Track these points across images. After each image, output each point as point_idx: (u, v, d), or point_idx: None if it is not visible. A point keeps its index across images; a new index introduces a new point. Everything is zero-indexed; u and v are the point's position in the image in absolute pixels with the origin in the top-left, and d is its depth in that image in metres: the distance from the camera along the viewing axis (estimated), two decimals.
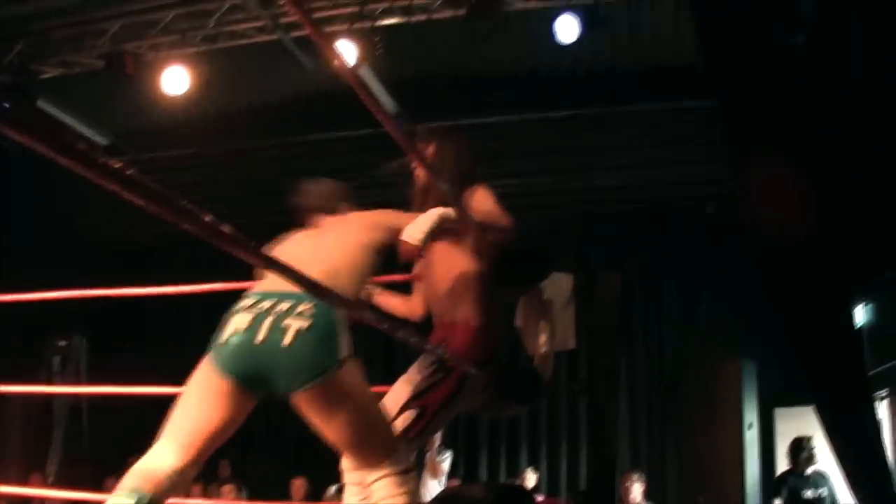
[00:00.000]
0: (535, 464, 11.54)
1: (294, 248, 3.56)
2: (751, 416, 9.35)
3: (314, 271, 2.92)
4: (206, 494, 10.43)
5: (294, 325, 3.06)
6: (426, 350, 3.84)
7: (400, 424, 3.70)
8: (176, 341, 12.50)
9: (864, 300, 9.41)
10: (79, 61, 9.39)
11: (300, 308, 3.09)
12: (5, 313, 7.32)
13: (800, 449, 8.95)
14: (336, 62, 2.37)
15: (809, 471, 8.94)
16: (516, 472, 11.26)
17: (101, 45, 9.06)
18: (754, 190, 7.37)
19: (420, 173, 4.18)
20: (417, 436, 3.78)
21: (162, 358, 12.22)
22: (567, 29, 7.89)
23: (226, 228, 1.57)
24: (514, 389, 4.06)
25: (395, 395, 3.89)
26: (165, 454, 3.15)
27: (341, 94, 9.40)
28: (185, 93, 9.12)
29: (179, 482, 3.14)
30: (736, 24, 7.18)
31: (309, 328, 3.06)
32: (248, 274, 3.53)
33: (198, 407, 3.22)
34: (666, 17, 9.18)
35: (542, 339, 4.33)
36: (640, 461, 11.11)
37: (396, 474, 3.28)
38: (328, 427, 3.21)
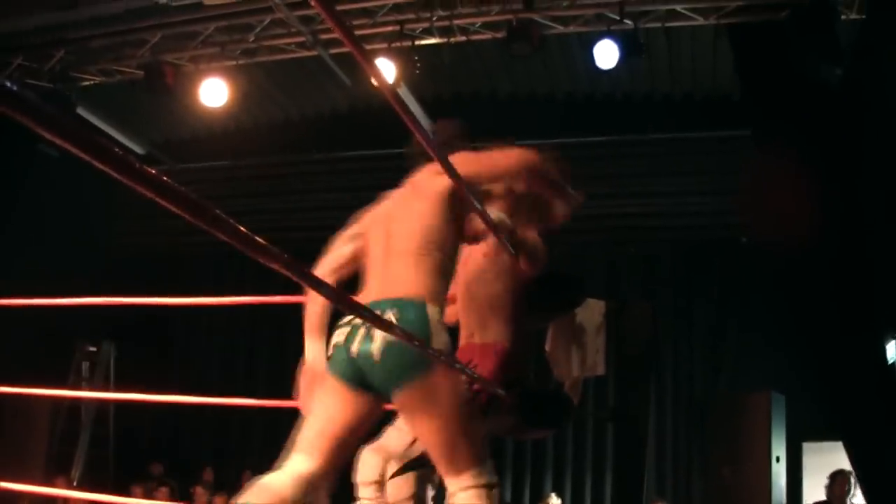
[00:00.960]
0: (559, 489, 11.46)
1: (381, 227, 3.55)
2: (779, 450, 9.24)
3: (397, 266, 3.22)
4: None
5: (381, 335, 3.12)
6: (455, 367, 3.81)
7: (420, 447, 3.67)
8: (202, 351, 12.60)
9: None
10: (119, 70, 9.46)
11: (387, 316, 3.11)
12: (36, 318, 7.38)
13: (839, 481, 8.79)
14: (375, 80, 2.35)
15: None
16: (540, 497, 11.19)
17: (141, 55, 9.12)
18: (787, 221, 7.33)
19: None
20: None
21: (188, 367, 12.31)
22: (606, 55, 7.88)
23: (259, 239, 1.56)
24: (539, 413, 4.03)
25: None
26: (293, 463, 3.22)
27: (377, 111, 9.49)
28: (223, 105, 9.15)
29: (309, 488, 3.18)
30: (773, 56, 7.16)
31: (394, 341, 3.08)
32: (277, 287, 3.53)
33: (321, 411, 3.29)
34: (705, 46, 9.18)
35: (573, 364, 4.30)
36: (666, 491, 11.02)
37: (479, 486, 3.22)
38: (419, 430, 3.27)
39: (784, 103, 6.76)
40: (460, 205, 3.41)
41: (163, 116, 10.86)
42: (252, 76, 9.64)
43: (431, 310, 3.19)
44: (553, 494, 10.94)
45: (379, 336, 3.12)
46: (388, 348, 3.11)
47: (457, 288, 4.11)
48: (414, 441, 3.71)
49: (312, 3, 1.94)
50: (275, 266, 1.67)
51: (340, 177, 11.49)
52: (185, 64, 9.12)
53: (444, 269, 3.34)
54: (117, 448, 11.42)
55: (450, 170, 2.95)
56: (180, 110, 9.97)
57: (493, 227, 3.53)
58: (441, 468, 3.27)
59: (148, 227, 11.73)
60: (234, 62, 8.98)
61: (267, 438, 12.06)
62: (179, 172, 11.85)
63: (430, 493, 4.16)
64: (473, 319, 4.04)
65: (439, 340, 3.16)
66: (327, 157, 11.37)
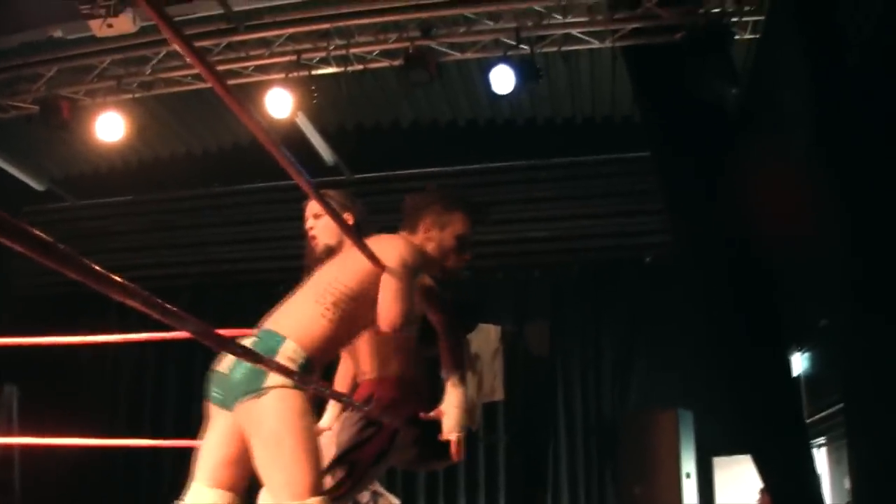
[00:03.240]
0: None
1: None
2: (688, 466, 9.34)
3: (292, 305, 3.49)
4: None
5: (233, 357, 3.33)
6: (352, 406, 3.79)
7: (329, 482, 3.64)
8: (109, 391, 12.37)
9: (801, 349, 9.48)
10: (13, 106, 9.28)
11: (249, 342, 3.36)
12: None
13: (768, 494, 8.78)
14: (244, 119, 2.31)
15: None
16: None
17: (36, 89, 8.97)
18: (691, 241, 7.42)
19: (317, 234, 4.11)
20: (347, 492, 3.72)
21: (96, 409, 12.08)
22: (502, 80, 7.91)
23: (115, 277, 1.52)
24: (440, 445, 4.01)
25: (325, 449, 3.84)
26: (193, 495, 3.38)
27: (281, 142, 9.36)
28: (123, 139, 9.01)
29: None
30: (670, 78, 7.25)
31: (243, 362, 3.30)
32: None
33: (208, 438, 3.44)
34: (604, 70, 9.28)
35: (470, 390, 4.29)
36: None
37: None
38: (252, 449, 3.33)
39: (681, 124, 6.84)
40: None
41: (62, 152, 10.69)
42: (151, 109, 9.55)
43: (288, 346, 3.35)
44: None
45: (232, 357, 3.34)
46: (235, 364, 3.33)
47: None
48: (324, 475, 3.67)
49: (169, 39, 1.92)
50: (134, 304, 1.64)
51: (244, 209, 11.42)
52: (82, 98, 8.99)
53: (334, 322, 3.44)
54: (24, 494, 11.15)
55: (335, 217, 2.94)
56: (79, 145, 9.82)
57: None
58: (270, 494, 3.34)
59: (42, 269, 11.51)
60: (130, 95, 8.87)
61: (176, 479, 11.91)
62: (80, 208, 11.68)
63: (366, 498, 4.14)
64: (368, 359, 4.02)
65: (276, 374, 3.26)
66: (230, 189, 11.29)
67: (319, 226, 4.10)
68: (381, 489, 9.89)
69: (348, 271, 3.51)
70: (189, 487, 3.41)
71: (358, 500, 4.20)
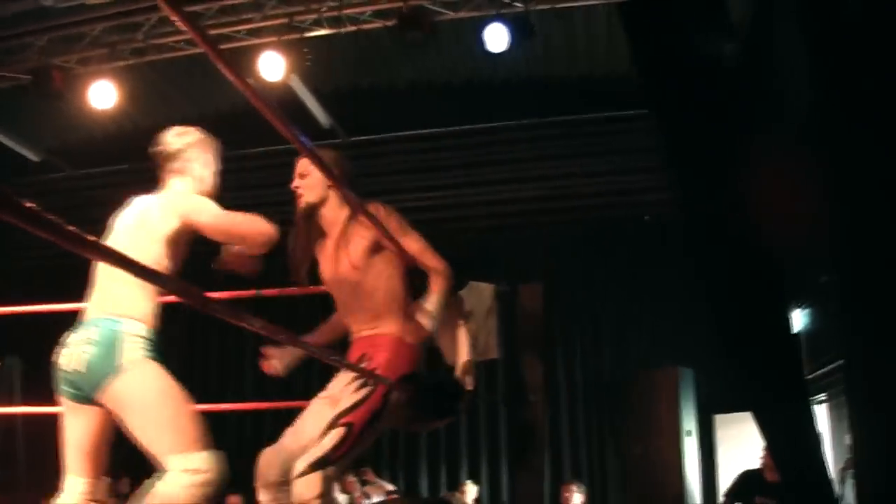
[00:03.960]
0: (475, 476, 11.47)
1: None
2: (689, 424, 9.35)
3: (110, 283, 3.67)
4: None
5: (86, 351, 3.58)
6: (346, 366, 3.79)
7: (328, 443, 3.66)
8: None
9: (801, 305, 9.45)
10: (6, 76, 9.22)
11: (90, 334, 3.61)
12: None
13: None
14: (234, 81, 2.30)
15: (780, 478, 8.74)
16: (457, 485, 11.18)
17: (28, 59, 8.91)
18: (691, 198, 7.37)
19: (305, 192, 4.12)
20: (346, 453, 3.72)
21: None
22: (496, 38, 7.86)
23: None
24: (435, 404, 4.01)
25: (318, 414, 3.85)
26: (69, 485, 3.70)
27: (274, 107, 9.27)
28: (117, 107, 8.97)
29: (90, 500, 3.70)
30: (665, 33, 7.17)
31: (93, 352, 3.56)
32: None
33: (68, 432, 3.73)
34: (599, 27, 9.20)
35: (463, 349, 4.29)
36: (581, 471, 11.08)
37: (185, 471, 3.48)
38: (128, 426, 3.58)
39: (679, 80, 6.77)
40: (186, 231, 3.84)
41: (57, 122, 10.60)
42: (145, 76, 9.47)
43: (128, 325, 3.62)
44: (469, 481, 10.95)
45: (80, 350, 3.60)
46: (89, 359, 3.56)
47: (334, 283, 4.07)
48: (318, 440, 3.68)
49: (160, 4, 1.88)
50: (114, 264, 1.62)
51: (243, 175, 11.35)
52: (74, 66, 8.92)
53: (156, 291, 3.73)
54: (28, 465, 11.16)
55: (326, 170, 2.93)
56: (74, 114, 9.73)
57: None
58: (154, 458, 3.56)
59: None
60: (123, 62, 8.81)
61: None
62: (77, 178, 11.64)
63: (339, 494, 4.14)
64: (359, 316, 4.06)
65: (130, 350, 3.57)
66: (228, 154, 11.21)
67: (304, 185, 4.10)
68: (372, 476, 9.91)
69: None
70: (65, 477, 3.70)
71: (349, 491, 4.23)
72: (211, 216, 3.86)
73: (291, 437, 3.89)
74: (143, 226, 3.80)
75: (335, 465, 3.68)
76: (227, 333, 11.47)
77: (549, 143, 10.74)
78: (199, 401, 3.98)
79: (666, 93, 7.19)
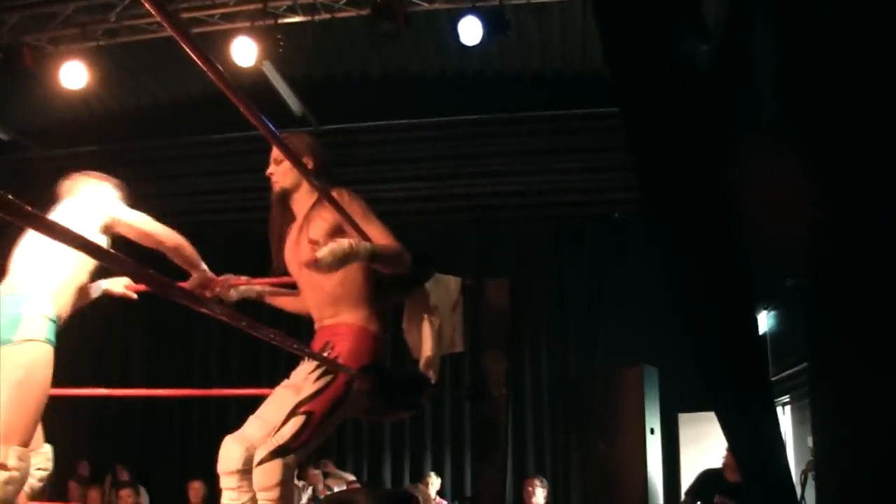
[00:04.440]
0: (439, 468, 11.48)
1: None
2: (653, 422, 9.37)
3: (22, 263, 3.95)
4: (106, 500, 10.25)
5: None
6: (308, 354, 3.79)
7: (288, 431, 3.67)
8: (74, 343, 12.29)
9: (767, 307, 9.49)
10: None
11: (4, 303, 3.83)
12: None
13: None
14: (205, 68, 2.29)
15: (742, 478, 8.76)
16: (420, 477, 11.19)
17: None
18: (659, 198, 7.39)
19: (278, 178, 4.15)
20: (306, 441, 3.72)
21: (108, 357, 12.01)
22: (471, 31, 7.85)
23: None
24: (397, 395, 4.01)
25: (280, 402, 3.86)
26: None
27: (248, 92, 9.22)
28: (88, 88, 8.91)
29: None
30: (639, 32, 7.18)
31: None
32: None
33: None
34: (574, 23, 9.21)
35: (428, 342, 4.29)
36: (545, 467, 11.11)
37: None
38: None
39: (651, 81, 6.78)
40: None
41: (27, 101, 10.50)
42: (116, 57, 9.39)
43: (34, 302, 3.83)
44: (432, 473, 10.96)
45: None
46: None
47: (301, 271, 4.08)
48: (279, 428, 3.67)
49: None
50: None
51: (211, 160, 11.30)
52: (45, 45, 8.84)
53: (60, 266, 3.95)
54: None
55: (290, 155, 2.93)
56: (45, 95, 9.63)
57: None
58: None
59: None
60: (95, 43, 8.74)
61: (141, 432, 11.89)
62: (46, 159, 11.54)
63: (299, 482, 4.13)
64: (322, 304, 4.07)
65: (30, 326, 3.77)
66: (197, 139, 11.15)
67: (279, 171, 4.13)
68: (332, 468, 9.88)
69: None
70: None
71: (312, 482, 4.24)
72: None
73: (253, 425, 3.90)
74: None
75: (295, 453, 3.67)
76: (192, 318, 11.43)
77: (520, 139, 10.73)
78: (162, 385, 4.04)
79: (636, 91, 7.20)
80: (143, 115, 10.92)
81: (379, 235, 3.93)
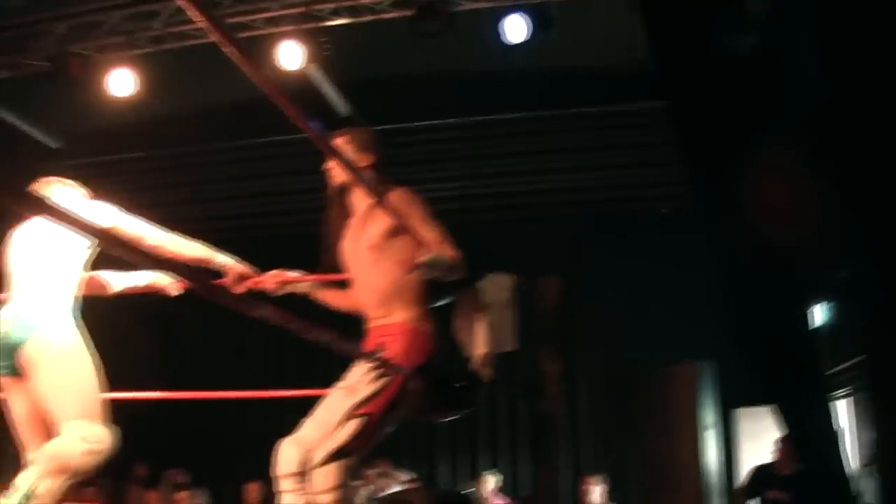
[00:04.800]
0: (493, 467, 11.46)
1: None
2: (709, 418, 9.29)
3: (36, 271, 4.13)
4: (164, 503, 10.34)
5: (7, 322, 3.97)
6: (361, 356, 3.78)
7: (346, 434, 3.68)
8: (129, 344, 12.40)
9: (821, 301, 9.37)
10: (26, 63, 9.22)
11: (13, 310, 4.01)
12: None
13: (785, 445, 8.67)
14: (250, 74, 2.28)
15: (795, 470, 8.68)
16: (475, 476, 11.17)
17: (47, 46, 8.91)
18: (709, 192, 7.33)
19: (335, 174, 4.15)
20: (364, 444, 3.74)
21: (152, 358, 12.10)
22: (516, 29, 7.83)
23: None
24: (452, 395, 3.99)
25: (336, 404, 3.85)
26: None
27: (292, 96, 9.21)
28: (135, 95, 9.00)
29: None
30: (685, 26, 7.13)
31: (13, 322, 3.96)
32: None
33: (16, 412, 4.06)
34: (618, 18, 9.12)
35: (481, 341, 4.27)
36: (601, 464, 11.05)
37: (78, 437, 3.78)
38: (38, 387, 3.91)
39: (697, 74, 6.74)
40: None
41: (75, 109, 10.60)
42: (163, 64, 9.44)
43: (49, 299, 4.01)
44: (487, 472, 10.94)
45: (3, 323, 3.97)
46: (9, 329, 3.93)
47: (353, 270, 4.07)
48: (336, 431, 3.67)
49: None
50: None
51: (259, 164, 11.34)
52: (93, 54, 8.92)
53: (60, 263, 4.14)
54: None
55: (341, 158, 2.93)
56: (92, 102, 9.72)
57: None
58: (54, 418, 3.87)
59: None
60: (141, 50, 8.80)
61: (201, 433, 11.94)
62: (95, 165, 11.63)
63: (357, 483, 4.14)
64: (375, 304, 4.04)
65: (49, 319, 3.94)
66: (243, 144, 11.20)
67: (336, 165, 4.12)
68: (389, 468, 9.88)
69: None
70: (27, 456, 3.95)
71: (368, 482, 4.25)
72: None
73: (309, 427, 3.88)
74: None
75: (353, 455, 3.70)
76: (244, 321, 11.47)
77: (566, 136, 10.67)
78: (218, 388, 4.18)
79: (682, 85, 7.13)
80: (190, 121, 10.97)
81: (436, 239, 3.92)
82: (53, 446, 3.78)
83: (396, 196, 3.91)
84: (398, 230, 3.94)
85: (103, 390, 4.01)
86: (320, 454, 3.65)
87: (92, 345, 4.08)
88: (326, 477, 3.64)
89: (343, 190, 4.16)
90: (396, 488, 9.93)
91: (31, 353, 3.88)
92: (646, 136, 10.16)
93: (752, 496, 8.78)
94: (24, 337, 3.89)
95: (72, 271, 4.18)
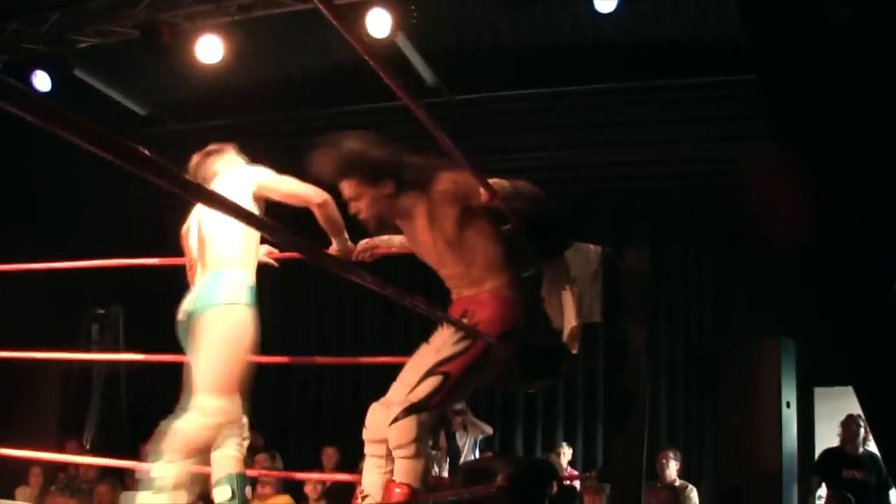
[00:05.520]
0: (571, 438, 11.47)
1: None
2: (789, 395, 9.18)
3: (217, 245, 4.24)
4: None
5: (194, 297, 4.20)
6: (449, 321, 3.80)
7: (424, 390, 3.70)
8: None
9: None
10: (115, 31, 9.34)
11: (200, 289, 4.20)
12: (45, 282, 7.35)
13: (851, 426, 8.72)
14: (350, 39, 2.29)
15: (861, 451, 8.71)
16: (552, 447, 11.19)
17: (136, 14, 9.01)
18: (792, 167, 7.24)
19: (363, 212, 4.10)
20: (440, 403, 3.76)
21: None
22: None
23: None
24: (537, 364, 4.00)
25: (419, 363, 3.90)
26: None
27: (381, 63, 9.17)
28: (223, 62, 9.08)
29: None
30: None
31: (199, 294, 4.16)
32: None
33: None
34: None
35: (570, 311, 4.27)
36: (678, 440, 11.00)
37: (209, 410, 3.96)
38: (194, 354, 4.11)
39: (790, 46, 6.64)
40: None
41: (163, 76, 10.73)
42: (251, 31, 9.52)
43: (231, 273, 4.13)
44: (564, 444, 10.95)
45: (191, 298, 4.21)
46: (196, 298, 4.16)
47: (427, 241, 4.04)
48: (414, 388, 3.69)
49: None
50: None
51: (345, 131, 11.38)
52: (182, 21, 9.01)
53: (246, 237, 4.22)
54: (130, 410, 11.41)
55: (428, 121, 2.92)
56: (180, 69, 9.83)
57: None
58: (195, 388, 4.03)
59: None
60: (230, 18, 8.88)
61: (277, 399, 12.08)
62: (182, 132, 11.77)
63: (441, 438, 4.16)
64: (461, 284, 4.05)
65: (228, 293, 4.07)
66: (330, 111, 11.24)
67: (357, 205, 4.13)
68: (472, 418, 9.93)
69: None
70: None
71: (451, 427, 4.29)
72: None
73: (396, 390, 3.94)
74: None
75: (429, 412, 3.70)
76: (328, 285, 11.57)
77: (654, 107, 10.58)
78: (298, 354, 4.23)
79: (775, 57, 7.03)
80: (277, 88, 11.05)
81: (502, 182, 3.94)
82: (177, 425, 3.97)
83: (443, 184, 3.92)
84: (466, 213, 3.93)
85: (244, 370, 4.13)
86: (396, 409, 3.68)
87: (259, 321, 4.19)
88: (402, 431, 3.65)
89: (378, 219, 4.12)
90: (476, 437, 10.10)
91: (198, 326, 4.06)
92: (734, 109, 10.05)
93: (824, 478, 8.79)
94: (201, 311, 4.07)
95: (250, 247, 4.27)
